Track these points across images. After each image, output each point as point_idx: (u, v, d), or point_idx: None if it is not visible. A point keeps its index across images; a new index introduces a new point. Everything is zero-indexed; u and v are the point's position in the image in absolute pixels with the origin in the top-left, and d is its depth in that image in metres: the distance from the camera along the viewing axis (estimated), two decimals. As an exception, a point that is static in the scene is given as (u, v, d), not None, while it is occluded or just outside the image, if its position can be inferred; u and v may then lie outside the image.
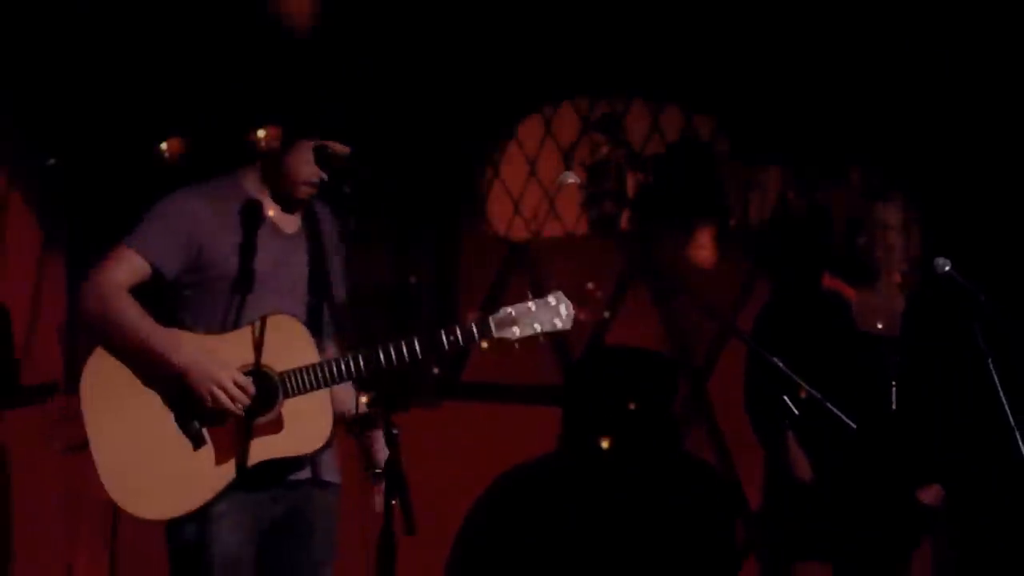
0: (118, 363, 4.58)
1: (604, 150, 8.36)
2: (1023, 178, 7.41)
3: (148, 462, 4.53)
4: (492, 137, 8.65)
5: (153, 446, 4.54)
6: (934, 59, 7.55)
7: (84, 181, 7.44)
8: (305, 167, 4.68)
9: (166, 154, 7.28)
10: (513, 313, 4.67)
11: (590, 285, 8.08)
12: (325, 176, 4.66)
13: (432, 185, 8.35)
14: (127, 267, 4.60)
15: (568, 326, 4.71)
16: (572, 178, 7.77)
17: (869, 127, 7.74)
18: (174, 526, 4.64)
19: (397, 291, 8.05)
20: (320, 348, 4.71)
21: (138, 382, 4.57)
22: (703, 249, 8.18)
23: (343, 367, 4.62)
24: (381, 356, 4.61)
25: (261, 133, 4.69)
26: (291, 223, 4.78)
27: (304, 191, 4.73)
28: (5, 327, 7.44)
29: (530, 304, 4.69)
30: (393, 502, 4.40)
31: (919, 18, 7.53)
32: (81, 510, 7.39)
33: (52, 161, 7.59)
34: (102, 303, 4.56)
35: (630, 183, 8.37)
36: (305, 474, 4.75)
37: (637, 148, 8.43)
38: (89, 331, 4.62)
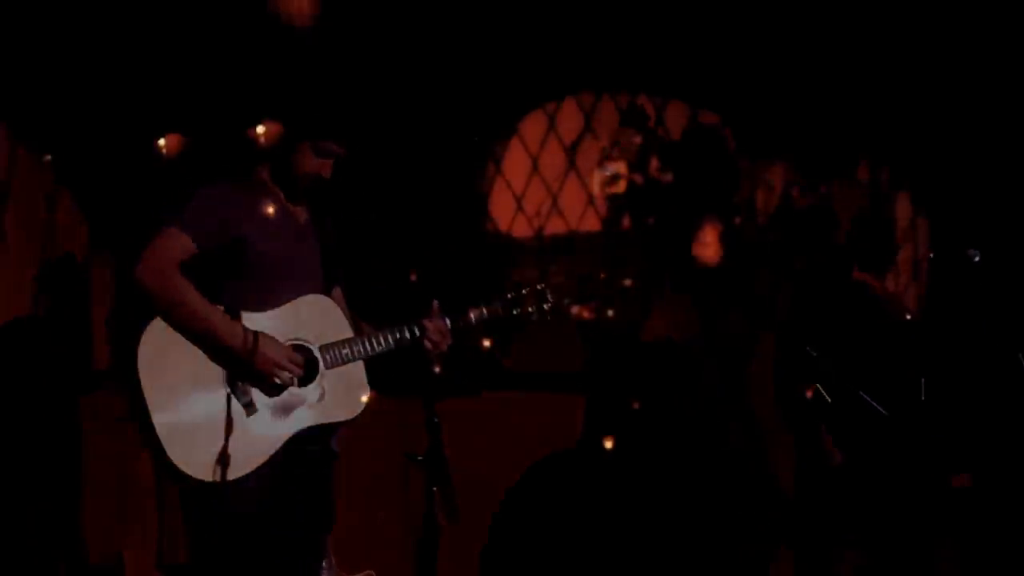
0: (174, 334, 4.86)
1: (638, 141, 8.30)
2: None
3: (205, 427, 4.80)
4: (494, 134, 8.61)
5: (209, 412, 4.81)
6: (936, 57, 7.52)
7: (128, 177, 7.51)
8: (308, 162, 4.99)
9: (164, 150, 7.29)
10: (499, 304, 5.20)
11: (592, 284, 8.04)
12: (326, 175, 5.00)
13: (436, 182, 8.31)
14: (177, 245, 4.86)
15: (546, 317, 5.20)
16: (612, 170, 7.75)
17: (874, 124, 7.72)
18: None
19: (399, 289, 8.01)
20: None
21: (194, 353, 4.85)
22: (707, 247, 8.16)
23: (375, 342, 4.98)
24: (407, 334, 5.01)
25: (260, 130, 4.82)
26: (301, 214, 5.12)
27: (309, 183, 5.05)
28: (84, 314, 7.62)
29: (524, 291, 5.20)
30: (435, 489, 4.69)
31: (920, 17, 7.52)
32: (130, 497, 7.49)
33: (48, 157, 7.61)
34: (162, 279, 4.82)
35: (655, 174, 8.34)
36: (319, 444, 5.03)
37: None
38: (147, 304, 4.86)
